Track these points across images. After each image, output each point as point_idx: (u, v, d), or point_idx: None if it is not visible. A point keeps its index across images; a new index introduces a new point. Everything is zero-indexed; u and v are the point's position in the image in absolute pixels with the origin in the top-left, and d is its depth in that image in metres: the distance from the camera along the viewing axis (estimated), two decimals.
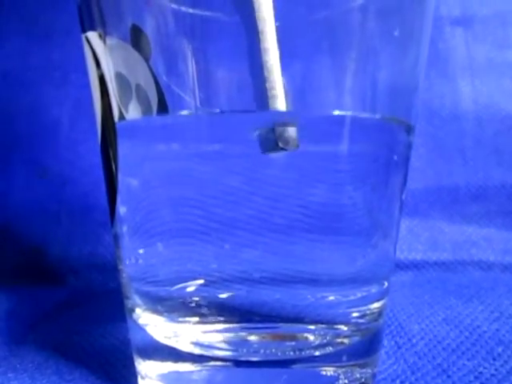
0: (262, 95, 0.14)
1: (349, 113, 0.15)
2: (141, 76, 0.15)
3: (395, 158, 0.16)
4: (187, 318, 0.16)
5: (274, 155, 0.14)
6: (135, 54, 0.15)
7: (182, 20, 0.15)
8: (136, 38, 0.15)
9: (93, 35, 0.16)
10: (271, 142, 0.14)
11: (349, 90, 0.15)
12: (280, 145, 0.14)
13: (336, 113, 0.15)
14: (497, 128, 0.37)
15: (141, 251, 0.17)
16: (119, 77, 0.15)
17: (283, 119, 0.14)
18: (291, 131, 0.14)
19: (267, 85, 0.14)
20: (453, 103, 0.37)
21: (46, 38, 0.35)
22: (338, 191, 0.16)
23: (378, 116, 0.16)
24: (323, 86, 0.15)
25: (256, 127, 0.14)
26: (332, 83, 0.15)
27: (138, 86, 0.15)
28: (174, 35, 0.15)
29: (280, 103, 0.14)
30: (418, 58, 0.16)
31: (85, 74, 0.17)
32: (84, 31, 0.16)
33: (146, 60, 0.15)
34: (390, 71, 0.15)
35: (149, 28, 0.15)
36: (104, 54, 0.16)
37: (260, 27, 0.14)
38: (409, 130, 0.17)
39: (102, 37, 0.16)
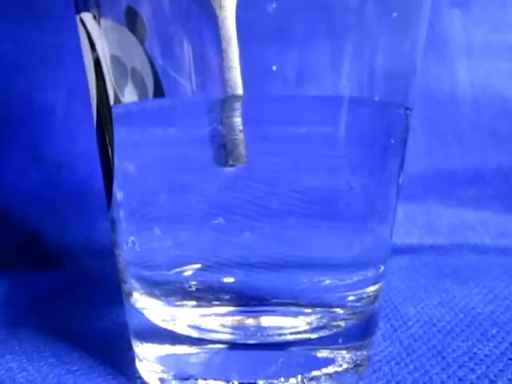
0: (256, 78, 0.14)
1: (346, 96, 0.15)
2: (136, 59, 0.15)
3: (392, 142, 0.16)
4: (184, 302, 0.16)
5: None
6: (130, 36, 0.15)
7: (178, 1, 0.14)
8: (131, 20, 0.15)
9: (87, 16, 0.16)
10: (222, 158, 0.14)
11: (346, 73, 0.15)
12: (230, 162, 0.14)
13: (333, 96, 0.15)
14: (494, 111, 0.37)
15: (137, 236, 0.17)
16: (114, 59, 0.15)
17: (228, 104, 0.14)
18: (240, 148, 0.14)
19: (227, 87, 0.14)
20: (450, 86, 0.37)
21: (40, 21, 0.34)
22: (334, 176, 0.16)
23: (375, 100, 0.16)
24: (320, 70, 0.15)
25: (210, 139, 0.14)
26: (329, 67, 0.15)
27: (133, 69, 0.15)
28: (170, 17, 0.14)
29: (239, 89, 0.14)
30: (416, 40, 0.16)
31: (80, 57, 0.17)
32: (78, 12, 0.16)
33: (142, 42, 0.15)
34: (388, 54, 0.15)
35: (144, 10, 0.15)
36: (99, 36, 0.15)
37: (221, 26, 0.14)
38: (406, 113, 0.17)
39: (97, 18, 0.15)
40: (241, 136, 0.14)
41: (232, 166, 0.14)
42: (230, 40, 0.14)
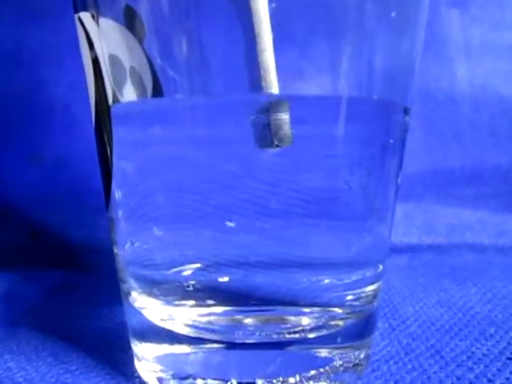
0: (256, 79, 0.14)
1: (345, 96, 0.15)
2: (135, 58, 0.15)
3: (391, 141, 0.16)
4: (183, 302, 0.16)
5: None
6: (129, 36, 0.15)
7: (177, 1, 0.14)
8: (129, 19, 0.15)
9: (86, 16, 0.16)
10: (267, 139, 0.14)
11: (345, 72, 0.15)
12: (275, 142, 0.14)
13: (332, 96, 0.15)
14: (492, 111, 0.37)
15: (136, 236, 0.17)
16: (113, 59, 0.15)
17: (277, 105, 0.14)
18: (286, 129, 0.14)
19: (261, 70, 0.14)
20: (448, 86, 0.37)
21: (40, 20, 0.34)
22: (333, 175, 0.16)
23: (374, 99, 0.16)
24: (319, 69, 0.15)
25: (252, 119, 0.14)
26: (328, 66, 0.15)
27: (132, 69, 0.15)
28: (169, 17, 0.14)
29: (274, 86, 0.14)
30: (415, 40, 0.16)
31: (79, 56, 0.17)
32: (77, 11, 0.16)
33: (140, 42, 0.15)
34: (387, 54, 0.15)
35: (143, 9, 0.15)
36: (97, 35, 0.15)
37: (254, 12, 0.14)
38: (405, 112, 0.17)
39: (95, 17, 0.15)
40: (287, 116, 0.14)
41: (278, 146, 0.14)
42: (261, 23, 0.14)
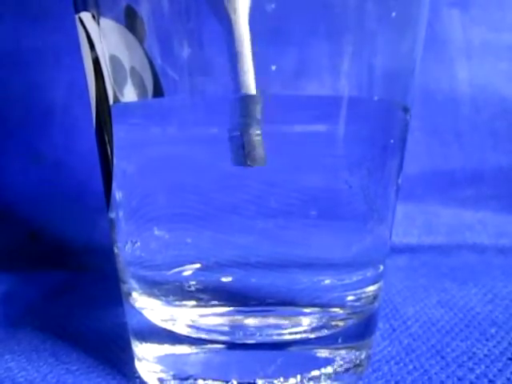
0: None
1: (345, 96, 0.15)
2: (135, 58, 0.15)
3: (392, 141, 0.16)
4: (184, 302, 0.16)
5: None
6: (129, 36, 0.15)
7: (177, 1, 0.14)
8: (130, 20, 0.15)
9: (86, 16, 0.16)
10: (240, 157, 0.14)
11: (345, 73, 0.15)
12: (248, 162, 0.14)
13: (332, 96, 0.15)
14: (493, 111, 0.37)
15: (137, 236, 0.17)
16: (114, 59, 0.15)
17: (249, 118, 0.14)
18: (259, 150, 0.14)
19: (240, 72, 0.14)
20: (449, 86, 0.37)
21: (40, 20, 0.34)
22: (333, 176, 0.16)
23: (374, 99, 0.16)
24: (320, 69, 0.15)
25: (228, 136, 0.14)
26: (328, 66, 0.15)
27: (132, 69, 0.15)
28: (169, 17, 0.14)
29: (252, 88, 0.14)
30: (415, 40, 0.16)
31: (79, 56, 0.17)
32: (77, 12, 0.16)
33: (141, 42, 0.15)
34: (387, 54, 0.15)
35: (143, 9, 0.15)
36: (98, 35, 0.15)
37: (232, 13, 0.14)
38: (405, 113, 0.17)
39: (96, 18, 0.15)
40: (259, 137, 0.14)
41: (250, 166, 0.14)
42: (243, 43, 0.14)
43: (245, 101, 0.14)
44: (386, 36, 0.15)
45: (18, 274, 0.30)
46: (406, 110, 0.17)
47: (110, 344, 0.20)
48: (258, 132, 0.14)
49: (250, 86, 0.14)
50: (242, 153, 0.14)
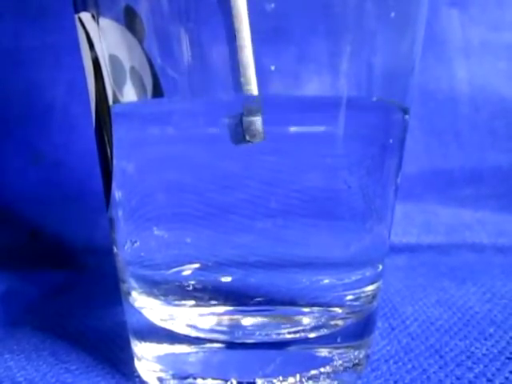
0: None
1: (344, 96, 0.15)
2: (135, 58, 0.15)
3: (391, 141, 0.16)
4: (183, 302, 0.16)
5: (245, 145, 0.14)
6: (129, 36, 0.15)
7: (177, 1, 0.14)
8: (130, 19, 0.15)
9: (86, 16, 0.16)
10: (239, 134, 0.14)
11: (344, 72, 0.15)
12: (247, 138, 0.14)
13: (331, 96, 0.15)
14: (492, 111, 0.37)
15: (136, 236, 0.17)
16: (113, 59, 0.15)
17: (249, 106, 0.14)
18: (257, 125, 0.14)
19: (240, 67, 0.14)
20: (448, 86, 0.37)
21: (39, 20, 0.34)
22: (333, 175, 0.16)
23: (373, 99, 0.16)
24: (319, 69, 0.15)
25: (226, 116, 0.14)
26: (327, 66, 0.15)
27: (132, 69, 0.15)
28: (169, 17, 0.14)
29: (253, 84, 0.14)
30: (414, 40, 0.16)
31: (79, 56, 0.17)
32: (77, 12, 0.16)
33: (141, 42, 0.15)
34: (386, 54, 0.15)
35: (143, 9, 0.15)
36: (97, 35, 0.15)
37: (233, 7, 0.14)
38: (404, 112, 0.17)
39: (95, 17, 0.15)
40: (259, 116, 0.14)
41: (249, 142, 0.14)
42: (241, 20, 0.14)
43: (244, 77, 0.14)
44: (386, 36, 0.15)
45: (17, 274, 0.30)
46: (405, 109, 0.17)
47: (109, 343, 0.20)
48: (258, 109, 0.14)
49: (249, 63, 0.14)
50: (241, 129, 0.14)
